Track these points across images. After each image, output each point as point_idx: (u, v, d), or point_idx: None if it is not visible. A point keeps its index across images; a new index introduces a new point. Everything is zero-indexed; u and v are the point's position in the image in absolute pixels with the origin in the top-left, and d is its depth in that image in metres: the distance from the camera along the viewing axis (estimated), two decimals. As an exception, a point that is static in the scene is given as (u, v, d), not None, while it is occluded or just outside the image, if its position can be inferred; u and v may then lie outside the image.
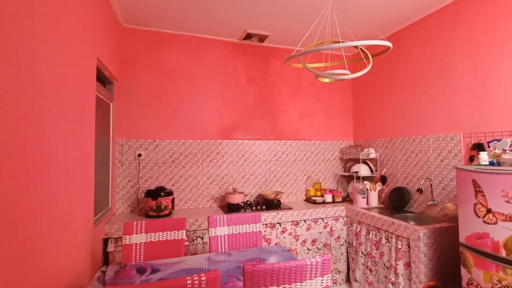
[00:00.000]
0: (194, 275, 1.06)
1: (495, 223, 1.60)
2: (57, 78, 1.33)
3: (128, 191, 2.72)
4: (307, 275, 1.22)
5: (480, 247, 1.68)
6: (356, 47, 1.72)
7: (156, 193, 2.47)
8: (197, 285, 1.06)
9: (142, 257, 1.85)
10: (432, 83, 2.55)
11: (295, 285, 1.21)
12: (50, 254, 1.28)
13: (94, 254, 1.94)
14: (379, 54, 1.73)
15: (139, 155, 2.74)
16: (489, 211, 1.63)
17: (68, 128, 1.48)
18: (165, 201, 2.48)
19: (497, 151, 1.82)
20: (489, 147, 2.01)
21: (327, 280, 1.27)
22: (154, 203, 2.44)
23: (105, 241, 2.22)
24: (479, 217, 1.69)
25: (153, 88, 2.85)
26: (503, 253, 1.56)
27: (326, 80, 1.80)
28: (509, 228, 1.53)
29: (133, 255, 1.84)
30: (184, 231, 1.97)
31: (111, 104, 2.64)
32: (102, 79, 2.53)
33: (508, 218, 1.54)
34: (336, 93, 3.57)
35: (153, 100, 2.85)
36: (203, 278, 1.07)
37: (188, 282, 1.05)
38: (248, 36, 3.03)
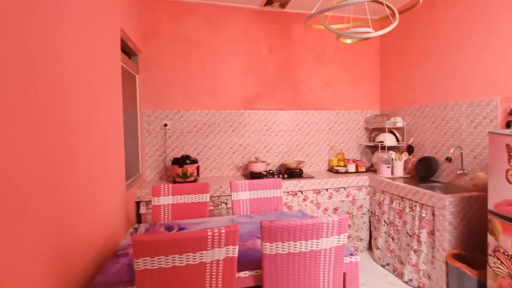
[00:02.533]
0: (214, 228, 1.14)
1: (528, 189, 1.51)
2: (82, 48, 1.40)
3: (156, 159, 2.87)
4: (324, 233, 1.25)
5: (510, 214, 1.61)
6: (382, 3, 1.61)
7: (182, 160, 2.59)
8: (217, 237, 1.14)
9: (170, 217, 1.99)
10: (469, 42, 2.34)
11: (311, 242, 1.25)
12: (90, 212, 1.42)
13: (128, 215, 2.12)
14: (407, 10, 1.60)
15: (165, 125, 2.85)
16: (522, 177, 1.55)
17: (98, 97, 1.57)
18: (190, 169, 2.59)
19: (538, 114, 1.68)
20: (529, 110, 1.85)
21: (344, 238, 1.30)
22: (181, 170, 2.57)
23: (137, 204, 2.39)
24: (510, 183, 1.60)
25: (176, 59, 2.89)
26: (534, 220, 1.49)
27: (348, 41, 1.72)
28: (543, 194, 1.45)
29: (162, 215, 1.98)
30: (208, 195, 2.08)
31: (137, 76, 2.73)
32: (127, 51, 2.60)
33: (543, 184, 1.45)
34: (362, 60, 3.40)
35: (177, 71, 2.90)
36: (223, 231, 1.14)
37: (209, 234, 1.12)
38: (269, 2, 2.93)
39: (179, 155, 2.89)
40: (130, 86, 2.56)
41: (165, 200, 1.99)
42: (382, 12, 2.95)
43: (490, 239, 1.73)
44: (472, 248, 2.08)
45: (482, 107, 2.25)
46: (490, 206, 1.73)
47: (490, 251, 1.74)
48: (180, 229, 1.76)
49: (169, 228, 1.76)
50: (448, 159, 2.39)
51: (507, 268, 1.63)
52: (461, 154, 2.41)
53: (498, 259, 1.68)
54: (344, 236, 1.30)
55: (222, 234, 1.14)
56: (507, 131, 1.63)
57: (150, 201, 2.37)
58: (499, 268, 1.68)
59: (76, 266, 1.25)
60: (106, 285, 1.18)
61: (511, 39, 2.05)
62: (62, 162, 1.16)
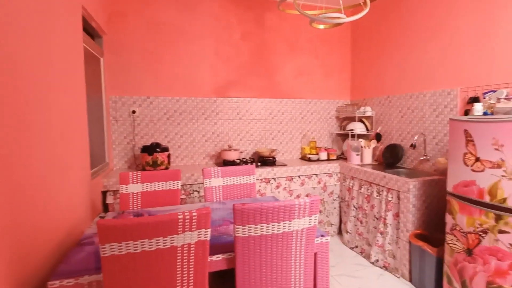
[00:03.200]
0: (185, 211, 1.10)
1: (483, 170, 1.63)
2: (39, 22, 1.28)
3: (125, 148, 2.74)
4: (296, 214, 1.27)
5: (466, 194, 1.73)
6: (354, -10, 1.63)
7: (151, 148, 2.49)
8: (188, 221, 1.11)
9: (139, 205, 1.92)
10: (434, 35, 2.46)
11: (283, 223, 1.26)
12: (51, 201, 1.32)
13: (93, 205, 2.01)
14: (378, -2, 1.64)
15: (133, 111, 2.73)
16: (477, 159, 1.66)
17: (58, 79, 1.45)
18: (161, 157, 2.51)
19: (492, 102, 1.80)
20: (484, 98, 1.99)
21: (315, 220, 1.32)
22: (150, 158, 2.48)
23: (104, 194, 2.28)
24: (467, 166, 1.72)
25: (145, 42, 2.75)
26: (487, 199, 1.61)
27: (321, 26, 1.73)
28: (495, 174, 1.57)
29: (131, 204, 1.90)
30: (180, 182, 2.02)
31: (102, 59, 2.57)
32: (90, 32, 2.43)
33: (495, 165, 1.57)
34: (334, 51, 3.46)
35: (146, 55, 2.76)
36: (194, 214, 1.11)
37: (180, 217, 1.09)
38: (243, -13, 2.86)
39: (148, 143, 2.78)
40: (94, 70, 2.40)
41: (134, 188, 1.91)
42: (355, 1, 3.00)
43: (448, 218, 1.86)
44: (432, 228, 2.23)
45: (444, 97, 2.39)
46: (449, 187, 1.85)
47: (448, 229, 1.86)
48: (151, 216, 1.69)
49: (138, 216, 1.69)
50: (413, 146, 2.51)
51: (462, 244, 1.76)
52: (424, 141, 2.55)
53: (455, 236, 1.81)
54: (315, 217, 1.32)
55: (194, 217, 1.11)
56: (466, 117, 1.74)
57: (118, 190, 2.26)
58: (455, 244, 1.81)
59: (35, 257, 1.16)
60: (69, 273, 1.11)
61: (472, 34, 2.17)
62: (14, 147, 1.06)
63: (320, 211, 2.97)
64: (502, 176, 1.54)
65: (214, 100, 3.01)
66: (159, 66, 2.80)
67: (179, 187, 2.02)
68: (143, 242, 1.06)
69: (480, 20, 2.11)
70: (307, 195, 2.88)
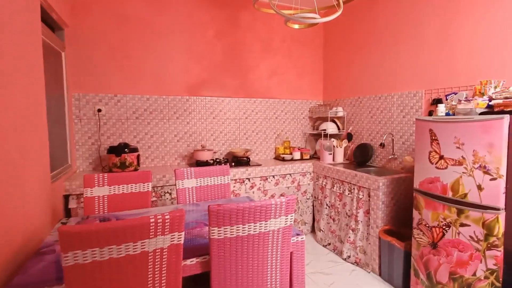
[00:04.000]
0: (157, 214, 1.04)
1: (446, 167, 1.73)
2: (-13, 5, 1.15)
3: (89, 148, 2.57)
4: (272, 214, 1.25)
5: (430, 191, 1.82)
6: (327, -8, 1.65)
7: (119, 149, 2.36)
8: (160, 224, 1.05)
9: (106, 209, 1.80)
10: (401, 39, 2.58)
11: (260, 224, 1.24)
12: (4, 205, 1.19)
13: (54, 210, 1.85)
14: (351, 0, 1.68)
15: (99, 110, 2.57)
16: (441, 157, 1.76)
17: (12, 74, 1.31)
18: (129, 158, 2.39)
19: (453, 103, 1.92)
20: (447, 100, 2.11)
21: (291, 219, 1.32)
22: (118, 159, 2.34)
23: (66, 198, 2.12)
24: (432, 163, 1.81)
25: (112, 37, 2.61)
26: (449, 194, 1.71)
27: (296, 26, 1.74)
28: (457, 171, 1.67)
29: (96, 208, 1.78)
30: (150, 184, 1.93)
31: (63, 53, 2.39)
32: (50, 24, 2.25)
33: (457, 163, 1.67)
34: (307, 53, 3.52)
35: (112, 50, 2.61)
36: (167, 217, 1.05)
37: (152, 220, 1.03)
38: (216, -16, 2.81)
39: (116, 143, 2.63)
40: (54, 65, 2.23)
41: (100, 191, 1.79)
42: (329, 2, 3.06)
43: (415, 213, 1.95)
44: (401, 223, 2.33)
45: (410, 98, 2.51)
46: (415, 184, 1.94)
47: (414, 224, 1.95)
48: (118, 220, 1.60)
49: (104, 221, 1.59)
50: (382, 145, 2.61)
51: (427, 237, 1.85)
52: (392, 140, 2.67)
53: (421, 230, 1.90)
54: (291, 216, 1.32)
55: (167, 220, 1.06)
56: (431, 118, 1.83)
57: (81, 194, 2.11)
58: (421, 238, 1.90)
59: (-17, 270, 1.04)
60: (27, 285, 1.01)
61: (434, 39, 2.30)
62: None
63: (295, 210, 2.99)
64: (463, 172, 1.64)
65: (186, 99, 2.92)
66: (127, 63, 2.67)
67: (150, 189, 1.93)
68: (111, 248, 0.98)
69: (441, 26, 2.24)
70: (281, 195, 2.89)
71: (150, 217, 1.03)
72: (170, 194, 2.39)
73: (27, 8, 1.56)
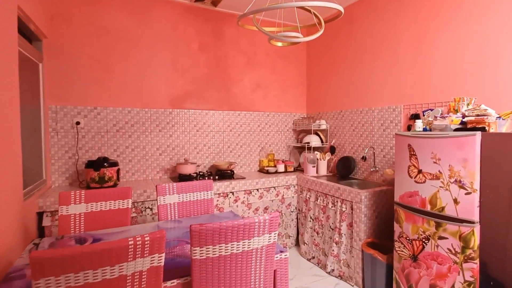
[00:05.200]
0: (137, 236, 1.01)
1: (424, 182, 1.78)
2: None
3: (66, 163, 2.47)
4: (255, 232, 1.24)
5: (410, 204, 1.87)
6: (309, 12, 1.71)
7: (98, 163, 2.29)
8: (140, 246, 1.01)
9: (82, 228, 1.72)
10: (379, 56, 2.68)
11: (243, 242, 1.22)
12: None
13: (26, 229, 1.76)
14: (332, 20, 1.73)
15: (77, 123, 2.48)
16: (419, 171, 1.81)
17: (-20, 82, 1.26)
18: (109, 172, 2.31)
19: (430, 119, 2.00)
20: (423, 115, 2.20)
21: (274, 236, 1.31)
22: (97, 174, 2.26)
23: (40, 215, 2.01)
24: (411, 177, 1.87)
25: (93, 49, 2.56)
26: (428, 208, 1.76)
27: (279, 44, 1.77)
28: (434, 185, 1.72)
29: (72, 227, 1.70)
30: (130, 200, 1.87)
31: (40, 65, 2.31)
32: (28, 35, 2.19)
33: (434, 177, 1.72)
34: (290, 66, 3.58)
35: (93, 62, 2.56)
36: (147, 239, 1.02)
37: (131, 243, 0.99)
38: (200, -2, 2.84)
39: (95, 157, 2.55)
40: (31, 77, 2.15)
41: (76, 208, 1.71)
42: (310, 21, 3.15)
43: (396, 226, 1.99)
44: (383, 236, 2.36)
45: (389, 113, 2.59)
46: (396, 198, 1.99)
47: (396, 237, 1.99)
48: (95, 240, 1.53)
49: (81, 241, 1.52)
50: (363, 158, 2.67)
51: (408, 250, 1.89)
52: (374, 153, 2.73)
53: (402, 243, 1.93)
54: (274, 234, 1.31)
55: (146, 242, 1.02)
56: (409, 133, 1.90)
57: (56, 211, 2.02)
58: (402, 251, 1.93)
59: None
60: (-12, 319, 0.93)
61: (410, 56, 2.41)
62: None
63: (279, 224, 2.98)
64: (440, 187, 1.70)
65: (169, 111, 2.88)
66: (107, 75, 2.61)
67: (130, 205, 1.86)
68: (86, 273, 0.94)
69: (416, 45, 2.35)
70: (266, 208, 2.87)
71: (129, 239, 0.99)
72: (151, 209, 2.32)
73: (3, 19, 1.51)
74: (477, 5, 1.98)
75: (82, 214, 1.72)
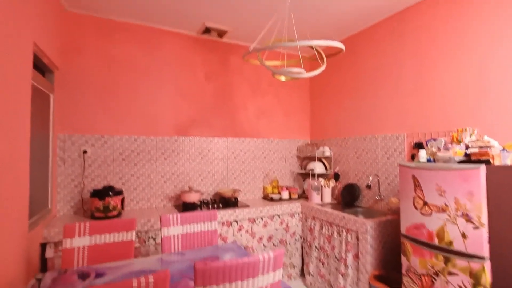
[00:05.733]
0: (140, 277, 1.00)
1: (430, 214, 1.76)
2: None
3: (72, 191, 2.49)
4: (260, 270, 1.22)
5: (417, 237, 1.83)
6: (311, 47, 1.77)
7: (103, 192, 2.30)
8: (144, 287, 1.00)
9: (85, 261, 1.71)
10: (382, 85, 2.73)
11: (247, 281, 1.20)
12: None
13: (29, 262, 1.75)
14: (333, 55, 1.80)
15: (85, 151, 2.53)
16: (425, 203, 1.79)
17: (-5, 119, 1.31)
18: (113, 201, 2.32)
19: (433, 150, 2.00)
20: (427, 145, 2.20)
21: (279, 274, 1.28)
22: (101, 203, 2.27)
23: (43, 246, 2.00)
24: (417, 209, 1.84)
25: (102, 79, 2.65)
26: (436, 241, 1.72)
27: (283, 78, 1.83)
28: (441, 218, 1.70)
29: (75, 260, 1.68)
30: (134, 232, 1.86)
31: (51, 95, 2.40)
32: (41, 67, 2.28)
33: (440, 210, 1.70)
34: (294, 93, 3.66)
35: (102, 92, 2.64)
36: (151, 280, 1.01)
37: (134, 284, 0.98)
38: (207, 30, 2.96)
39: (100, 186, 2.57)
40: (41, 107, 2.22)
41: (80, 241, 1.71)
42: (312, 50, 3.25)
43: (403, 259, 1.94)
44: (390, 268, 2.30)
45: (393, 141, 2.60)
46: (402, 229, 1.95)
47: (403, 271, 1.93)
48: (98, 275, 1.51)
49: (83, 276, 1.50)
50: (368, 186, 2.65)
51: (417, 286, 1.83)
52: (378, 181, 2.71)
53: (410, 278, 1.88)
54: (279, 271, 1.28)
55: (150, 284, 1.01)
56: (413, 164, 1.90)
57: (60, 241, 2.01)
58: (411, 286, 1.87)
59: None
60: None
61: (410, 86, 2.45)
62: None
63: (283, 264, 2.91)
64: (447, 219, 1.67)
65: (175, 139, 2.93)
66: (116, 104, 2.69)
67: (134, 238, 1.85)
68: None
69: (417, 76, 2.40)
70: (269, 237, 2.83)
71: (133, 280, 0.98)
72: (155, 239, 2.30)
73: (20, 56, 1.58)
74: (477, 38, 2.04)
75: (85, 247, 1.71)
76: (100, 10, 2.56)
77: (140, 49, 2.81)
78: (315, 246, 2.77)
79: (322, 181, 3.06)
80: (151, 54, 2.86)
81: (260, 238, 2.78)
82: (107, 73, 2.67)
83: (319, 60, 1.79)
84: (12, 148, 1.49)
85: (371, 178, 2.69)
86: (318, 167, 3.25)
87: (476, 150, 1.71)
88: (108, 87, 2.67)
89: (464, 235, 1.59)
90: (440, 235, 1.70)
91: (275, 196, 3.14)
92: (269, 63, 1.89)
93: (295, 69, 1.58)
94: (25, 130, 1.68)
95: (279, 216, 2.88)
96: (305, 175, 3.55)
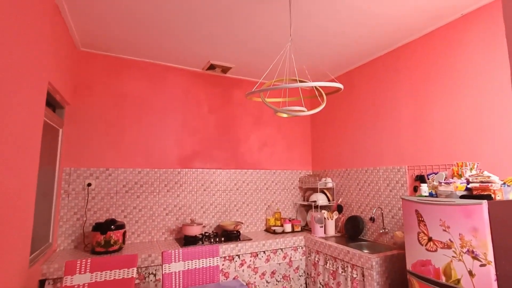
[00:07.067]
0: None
1: (435, 250, 1.73)
2: (1, 102, 1.23)
3: (73, 225, 2.48)
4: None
5: (424, 274, 1.79)
6: (312, 87, 1.86)
7: (105, 226, 2.29)
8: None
9: (84, 300, 1.67)
10: (380, 119, 2.80)
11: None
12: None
13: (26, 300, 1.71)
14: (332, 93, 1.88)
15: (89, 184, 2.55)
16: (430, 239, 1.77)
17: (8, 155, 1.35)
18: (115, 235, 2.30)
19: (435, 183, 2.01)
20: (428, 179, 2.22)
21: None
22: (103, 237, 2.26)
23: (41, 283, 1.96)
24: (422, 245, 1.82)
25: (109, 114, 2.74)
26: (443, 279, 1.68)
27: (284, 115, 1.90)
28: (447, 255, 1.67)
29: (74, 299, 1.65)
30: (135, 269, 1.83)
31: (60, 130, 2.47)
32: (52, 102, 2.38)
33: (445, 246, 1.68)
34: (295, 125, 3.74)
35: (109, 126, 2.72)
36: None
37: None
38: (212, 67, 3.10)
39: (102, 219, 2.56)
40: (50, 141, 2.29)
41: (81, 279, 1.68)
42: (313, 91, 3.37)
43: (412, 298, 1.87)
44: (398, 307, 2.21)
45: (394, 173, 2.62)
46: (408, 266, 1.91)
47: (413, 310, 1.86)
48: (97, 316, 1.47)
49: (82, 316, 1.46)
50: (372, 219, 2.63)
51: (428, 327, 1.75)
52: (382, 214, 2.69)
53: (420, 318, 1.80)
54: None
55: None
56: (415, 198, 1.90)
57: (59, 278, 1.98)
58: (421, 327, 1.79)
59: None
60: None
61: (409, 120, 2.52)
62: None
63: (286, 289, 2.82)
64: (453, 256, 1.64)
65: (178, 171, 2.96)
66: (121, 138, 2.76)
67: (134, 274, 1.82)
68: None
69: (415, 110, 2.47)
70: (272, 272, 2.75)
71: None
72: (155, 275, 2.25)
73: (34, 95, 1.67)
74: (465, 74, 2.13)
75: (85, 285, 1.68)
76: (110, 49, 2.71)
77: (146, 84, 2.94)
78: (320, 283, 2.68)
79: (325, 213, 3.04)
80: (157, 89, 2.98)
81: (263, 274, 2.71)
82: (115, 108, 2.77)
83: (319, 98, 1.87)
84: (21, 184, 1.52)
85: (374, 211, 2.67)
86: (320, 199, 3.23)
87: (477, 184, 1.72)
88: (115, 121, 2.75)
89: (471, 273, 1.56)
90: (447, 272, 1.66)
91: (278, 229, 3.10)
92: (270, 100, 1.97)
93: (296, 107, 1.64)
94: (34, 166, 1.72)
95: (282, 250, 2.83)
96: (307, 207, 3.52)
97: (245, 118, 3.42)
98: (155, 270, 2.26)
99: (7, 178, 1.36)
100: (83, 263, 1.71)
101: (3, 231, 1.34)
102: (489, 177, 1.71)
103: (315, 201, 3.22)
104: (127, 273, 1.80)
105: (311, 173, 3.73)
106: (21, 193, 1.54)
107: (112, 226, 2.30)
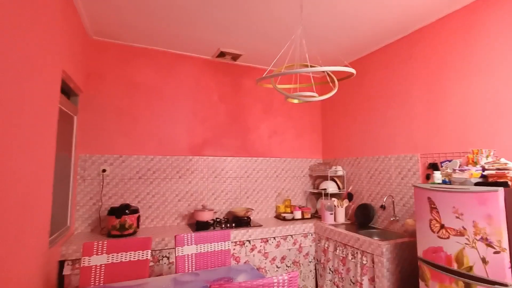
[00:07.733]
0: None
1: (448, 237, 1.72)
2: (18, 90, 1.27)
3: (90, 209, 2.57)
4: (274, 293, 1.22)
5: (435, 261, 1.79)
6: (323, 71, 1.83)
7: (120, 210, 2.36)
8: (160, 309, 1.02)
9: (102, 280, 1.74)
10: (392, 106, 2.75)
11: (262, 305, 1.20)
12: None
13: (47, 279, 1.79)
14: (344, 79, 1.85)
15: (104, 170, 2.62)
16: (442, 226, 1.76)
17: (26, 141, 1.40)
18: (129, 219, 2.37)
19: (449, 171, 1.98)
20: (442, 167, 2.18)
21: (293, 298, 1.28)
22: (118, 221, 2.33)
23: (61, 264, 2.06)
24: (434, 232, 1.81)
25: (122, 102, 2.78)
26: (455, 266, 1.67)
27: (295, 101, 1.88)
28: (459, 242, 1.66)
29: (92, 279, 1.72)
30: (149, 251, 1.89)
31: (75, 117, 2.53)
32: (66, 90, 2.43)
33: (458, 233, 1.67)
34: (306, 112, 3.71)
35: (121, 114, 2.77)
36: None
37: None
38: (222, 54, 3.09)
39: (117, 204, 2.64)
40: (66, 128, 2.34)
41: (98, 259, 1.75)
42: (323, 73, 3.32)
43: (422, 284, 1.88)
44: (407, 293, 2.22)
45: (406, 161, 2.58)
46: (419, 253, 1.91)
47: (423, 297, 1.87)
48: (114, 294, 1.54)
49: (100, 295, 1.53)
50: (383, 207, 2.62)
51: (438, 313, 1.76)
52: (393, 202, 2.67)
53: (430, 304, 1.81)
54: (294, 295, 1.28)
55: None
56: (428, 185, 1.88)
57: (77, 259, 2.06)
58: (431, 313, 1.80)
59: None
60: None
61: (421, 107, 2.46)
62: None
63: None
64: (466, 244, 1.63)
65: (189, 158, 3.00)
66: (133, 126, 2.80)
67: (149, 256, 1.89)
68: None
69: (428, 94, 2.41)
70: (282, 258, 2.79)
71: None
72: (168, 258, 2.32)
73: (51, 83, 1.71)
74: (484, 59, 2.05)
75: (103, 265, 1.75)
76: (122, 37, 2.73)
77: (157, 73, 2.95)
78: (329, 268, 2.71)
79: (335, 200, 3.04)
80: (168, 77, 2.99)
81: (273, 259, 2.75)
82: (127, 97, 2.80)
83: (331, 83, 1.84)
84: (39, 168, 1.58)
85: (385, 199, 2.65)
86: (331, 187, 3.23)
87: (493, 172, 1.68)
88: (127, 109, 2.79)
89: (484, 260, 1.54)
90: (459, 259, 1.65)
91: (288, 216, 3.13)
92: (281, 86, 1.96)
93: (308, 93, 1.63)
94: (51, 151, 1.77)
95: (292, 236, 2.86)
96: (317, 195, 3.53)
97: (255, 106, 3.41)
98: (168, 253, 2.33)
99: (25, 163, 1.41)
100: (99, 245, 1.78)
101: (24, 214, 1.40)
102: (506, 164, 1.67)
103: (325, 189, 3.22)
104: (142, 255, 1.86)
105: (321, 161, 3.71)
106: (40, 177, 1.60)
107: (127, 211, 2.37)
